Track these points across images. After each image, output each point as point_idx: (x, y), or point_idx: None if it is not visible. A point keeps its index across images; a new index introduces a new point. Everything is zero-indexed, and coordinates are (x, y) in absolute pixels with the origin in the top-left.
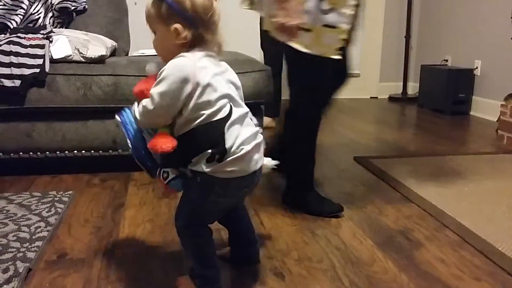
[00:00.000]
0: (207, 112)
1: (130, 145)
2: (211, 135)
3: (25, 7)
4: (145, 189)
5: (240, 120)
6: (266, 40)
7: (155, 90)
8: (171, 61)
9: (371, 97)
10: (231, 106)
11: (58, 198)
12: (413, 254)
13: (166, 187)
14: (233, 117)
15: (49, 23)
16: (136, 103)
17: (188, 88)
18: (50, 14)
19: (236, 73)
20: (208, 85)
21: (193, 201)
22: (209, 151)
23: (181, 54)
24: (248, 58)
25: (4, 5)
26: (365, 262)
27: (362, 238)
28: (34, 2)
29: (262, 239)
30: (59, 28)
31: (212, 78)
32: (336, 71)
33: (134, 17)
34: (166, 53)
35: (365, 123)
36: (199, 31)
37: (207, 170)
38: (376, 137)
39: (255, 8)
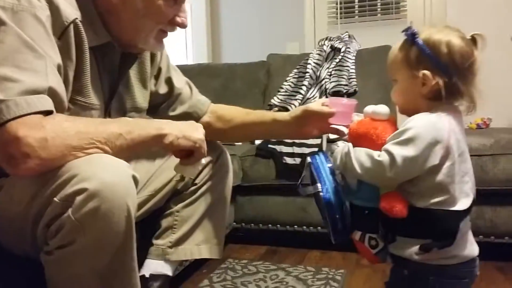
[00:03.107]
0: (446, 196)
1: (324, 196)
2: (439, 226)
3: (303, 92)
4: None
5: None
6: None
7: (399, 152)
8: (417, 117)
9: None
10: (473, 197)
11: (331, 276)
12: None
13: (374, 258)
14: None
15: None
16: (339, 146)
17: (437, 156)
18: (323, 97)
19: None
20: (457, 157)
21: None
22: (429, 240)
23: (427, 113)
24: None
25: (286, 91)
26: None
27: None
28: (310, 88)
29: None
30: None
31: (460, 148)
32: None
33: None
34: (407, 104)
35: None
36: (453, 81)
37: (416, 258)
38: None
39: None
